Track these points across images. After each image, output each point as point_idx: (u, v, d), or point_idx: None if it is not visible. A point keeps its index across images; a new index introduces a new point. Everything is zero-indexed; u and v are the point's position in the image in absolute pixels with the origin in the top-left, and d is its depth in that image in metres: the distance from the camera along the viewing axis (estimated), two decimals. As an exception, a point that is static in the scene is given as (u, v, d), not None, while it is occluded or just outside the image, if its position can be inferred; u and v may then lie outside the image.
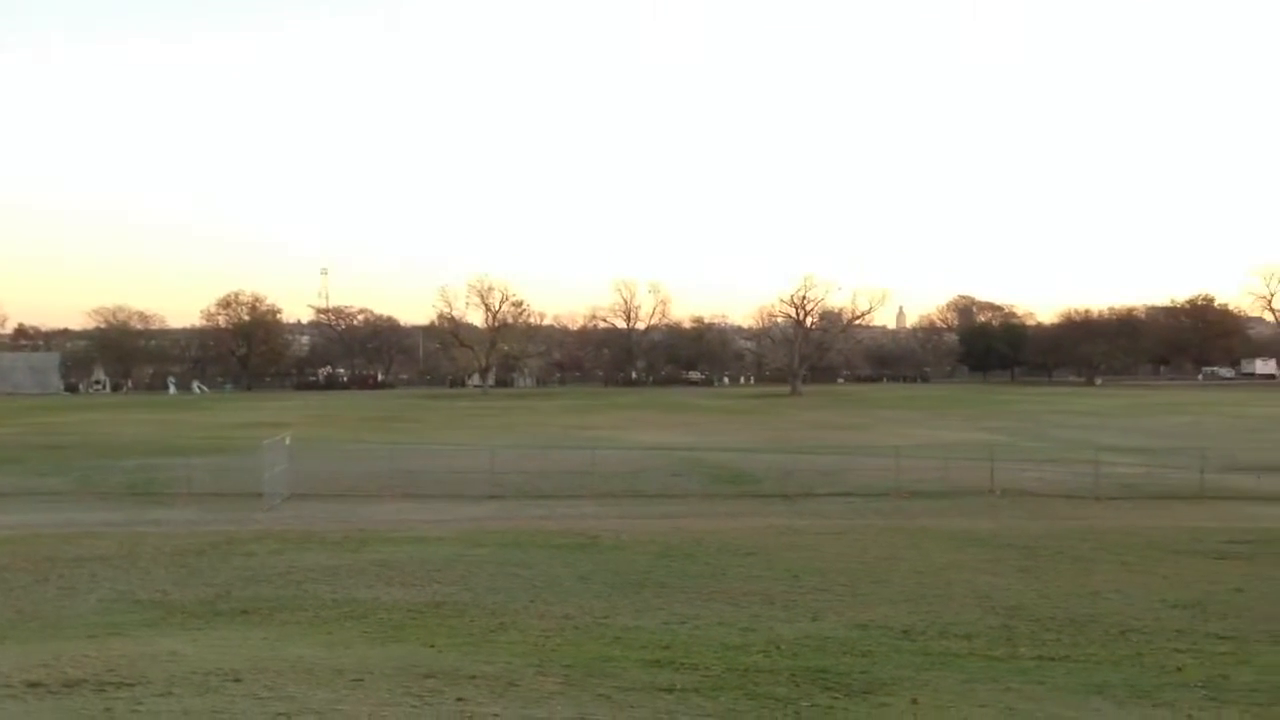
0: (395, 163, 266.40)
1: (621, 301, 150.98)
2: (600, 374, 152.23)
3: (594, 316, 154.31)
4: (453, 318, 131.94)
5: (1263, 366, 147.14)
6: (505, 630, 14.99)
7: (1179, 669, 12.24)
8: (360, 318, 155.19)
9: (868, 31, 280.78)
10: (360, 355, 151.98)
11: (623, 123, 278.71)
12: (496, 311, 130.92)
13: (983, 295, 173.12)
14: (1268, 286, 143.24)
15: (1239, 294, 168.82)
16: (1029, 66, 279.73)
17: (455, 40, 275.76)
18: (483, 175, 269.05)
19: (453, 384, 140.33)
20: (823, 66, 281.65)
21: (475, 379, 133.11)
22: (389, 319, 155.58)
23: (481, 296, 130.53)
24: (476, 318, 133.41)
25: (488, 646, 13.05)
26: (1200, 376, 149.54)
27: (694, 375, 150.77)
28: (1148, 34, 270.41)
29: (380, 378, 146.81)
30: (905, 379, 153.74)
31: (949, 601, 17.67)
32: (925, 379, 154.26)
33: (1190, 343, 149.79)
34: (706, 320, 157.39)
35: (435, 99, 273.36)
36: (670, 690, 9.77)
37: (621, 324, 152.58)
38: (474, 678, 10.20)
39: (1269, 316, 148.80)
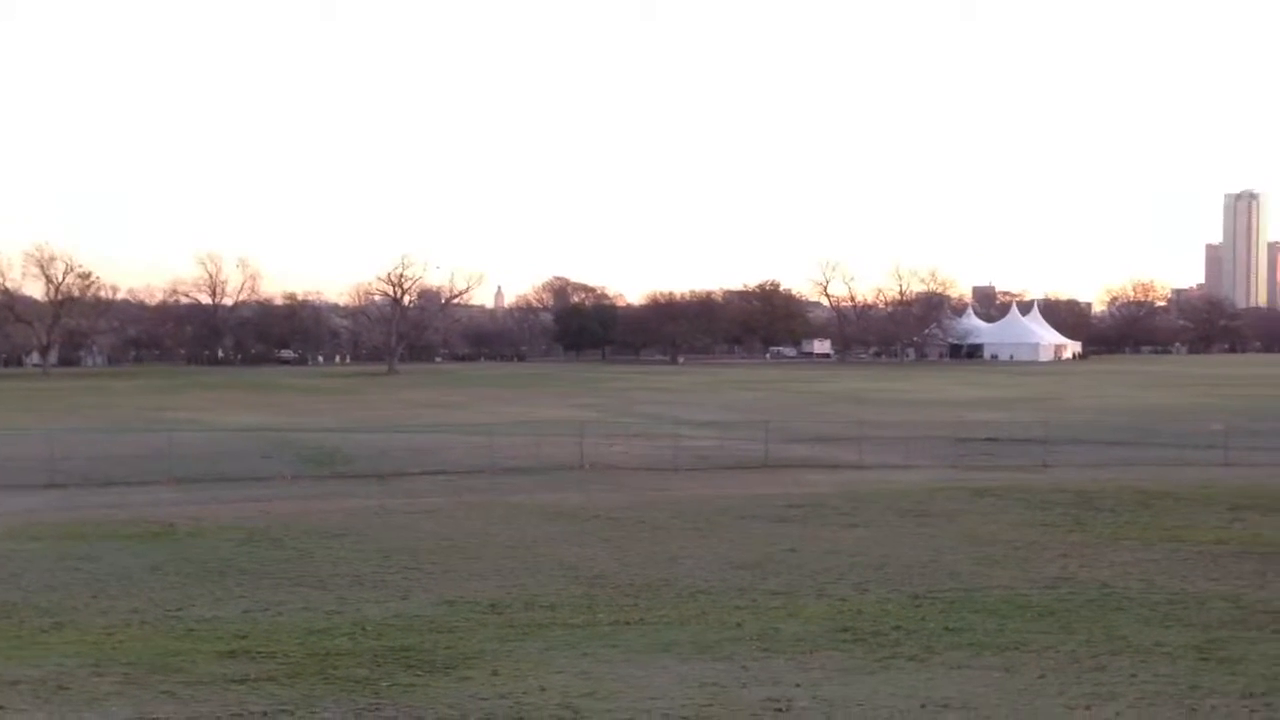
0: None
1: (206, 276, 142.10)
2: (183, 352, 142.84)
3: (175, 291, 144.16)
4: (6, 289, 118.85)
5: (819, 346, 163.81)
6: (61, 629, 13.74)
7: (739, 624, 13.29)
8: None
9: (462, 19, 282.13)
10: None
11: (205, 85, 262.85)
12: (60, 284, 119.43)
13: (577, 277, 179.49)
14: (825, 274, 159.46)
15: (801, 281, 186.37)
16: (616, 65, 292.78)
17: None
18: (39, 133, 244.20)
19: (7, 363, 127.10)
20: (421, 50, 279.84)
21: (35, 357, 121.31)
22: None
23: (41, 267, 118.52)
24: (35, 290, 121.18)
25: (38, 649, 11.89)
26: (768, 355, 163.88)
27: (287, 354, 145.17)
28: (708, 45, 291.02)
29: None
30: (502, 358, 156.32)
31: (536, 574, 18.18)
32: (522, 358, 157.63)
33: (760, 324, 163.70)
34: (300, 297, 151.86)
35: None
36: (243, 681, 9.36)
37: (206, 299, 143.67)
38: (17, 683, 9.26)
39: (825, 301, 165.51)
